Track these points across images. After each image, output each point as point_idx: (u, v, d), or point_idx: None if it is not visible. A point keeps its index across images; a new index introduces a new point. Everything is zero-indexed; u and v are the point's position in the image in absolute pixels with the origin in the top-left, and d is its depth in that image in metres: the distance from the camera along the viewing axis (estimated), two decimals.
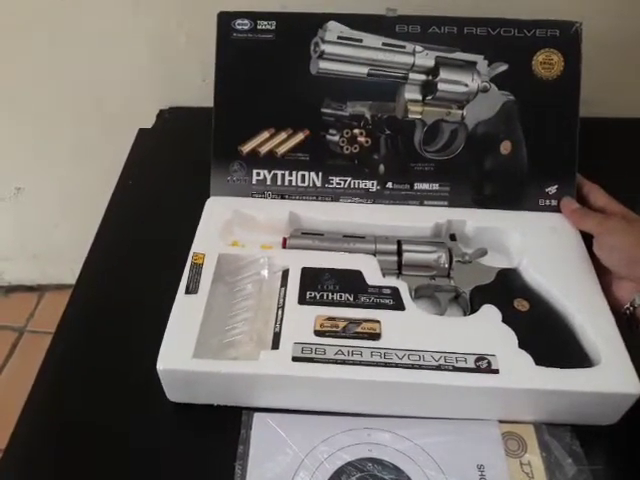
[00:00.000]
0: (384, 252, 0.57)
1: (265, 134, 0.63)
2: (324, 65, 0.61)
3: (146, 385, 0.49)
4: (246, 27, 0.62)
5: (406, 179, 0.63)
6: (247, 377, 0.48)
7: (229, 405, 0.50)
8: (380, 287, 0.54)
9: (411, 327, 0.51)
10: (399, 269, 0.56)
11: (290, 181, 0.63)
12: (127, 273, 0.63)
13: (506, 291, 0.54)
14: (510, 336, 0.50)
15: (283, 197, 0.64)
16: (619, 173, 0.64)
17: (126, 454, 0.49)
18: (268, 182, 0.63)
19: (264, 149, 0.63)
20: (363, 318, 0.51)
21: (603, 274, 0.54)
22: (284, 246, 0.58)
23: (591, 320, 0.51)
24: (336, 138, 0.63)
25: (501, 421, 0.49)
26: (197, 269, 0.55)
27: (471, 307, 0.54)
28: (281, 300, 0.53)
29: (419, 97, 0.62)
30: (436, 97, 0.61)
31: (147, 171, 0.76)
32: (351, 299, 0.53)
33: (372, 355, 0.48)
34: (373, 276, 0.55)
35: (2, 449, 0.49)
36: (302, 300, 0.53)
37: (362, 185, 0.63)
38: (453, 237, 0.59)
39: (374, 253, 0.57)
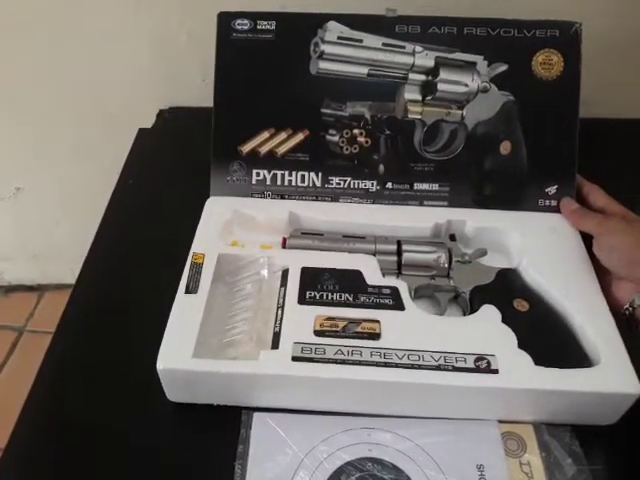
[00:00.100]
0: (384, 252, 0.57)
1: (265, 134, 0.63)
2: (324, 65, 0.61)
3: (146, 385, 0.49)
4: (246, 27, 0.62)
5: (406, 179, 0.63)
6: (247, 377, 0.48)
7: (229, 405, 0.50)
8: (380, 287, 0.54)
9: (411, 327, 0.51)
10: (399, 269, 0.57)
11: (290, 181, 0.63)
12: (127, 273, 0.63)
13: (506, 291, 0.54)
14: (510, 336, 0.50)
15: (283, 197, 0.64)
16: (619, 173, 0.64)
17: (126, 453, 0.49)
18: (268, 182, 0.63)
19: (264, 149, 0.63)
20: (363, 318, 0.51)
21: (603, 274, 0.54)
22: (284, 246, 0.58)
23: (591, 320, 0.51)
24: (336, 138, 0.63)
25: (501, 421, 0.49)
26: (197, 269, 0.55)
27: (471, 307, 0.54)
28: (281, 300, 0.53)
29: (419, 97, 0.62)
30: (436, 97, 0.61)
31: (147, 171, 0.76)
32: (351, 299, 0.53)
33: (372, 355, 0.48)
34: (373, 276, 0.55)
35: (2, 448, 0.49)
36: (302, 300, 0.53)
37: (362, 185, 0.63)
38: (453, 237, 0.59)
39: (374, 253, 0.57)
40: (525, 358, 0.48)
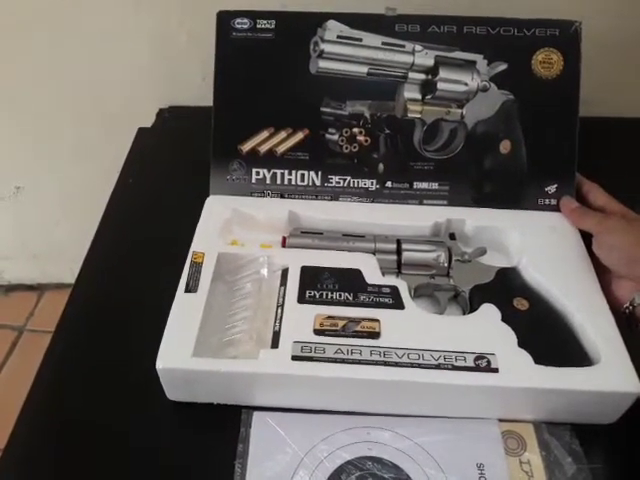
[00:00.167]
0: (383, 251, 0.57)
1: (265, 133, 0.63)
2: (323, 64, 0.61)
3: (145, 384, 0.49)
4: (246, 26, 0.62)
5: (405, 178, 0.63)
6: (247, 376, 0.48)
7: (229, 404, 0.50)
8: (379, 286, 0.54)
9: (410, 326, 0.51)
10: (398, 268, 0.56)
11: (289, 180, 0.63)
12: (127, 272, 0.63)
13: (505, 290, 0.54)
14: (509, 335, 0.50)
15: (282, 196, 0.64)
16: (619, 172, 0.64)
17: (126, 453, 0.49)
18: (267, 181, 0.63)
19: (264, 148, 0.63)
20: (362, 317, 0.51)
21: (603, 273, 0.54)
22: (283, 245, 0.58)
23: (590, 319, 0.51)
24: (335, 137, 0.63)
25: (501, 420, 0.49)
26: (197, 268, 0.55)
27: (470, 306, 0.54)
28: (280, 299, 0.53)
29: (419, 96, 0.62)
30: (436, 96, 0.61)
31: (147, 170, 0.76)
32: (350, 298, 0.53)
33: (371, 354, 0.48)
34: (372, 275, 0.55)
35: (1, 448, 0.49)
36: (301, 299, 0.53)
37: (361, 184, 0.63)
38: (452, 236, 0.59)
39: (373, 252, 0.57)
40: (525, 357, 0.48)
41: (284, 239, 0.59)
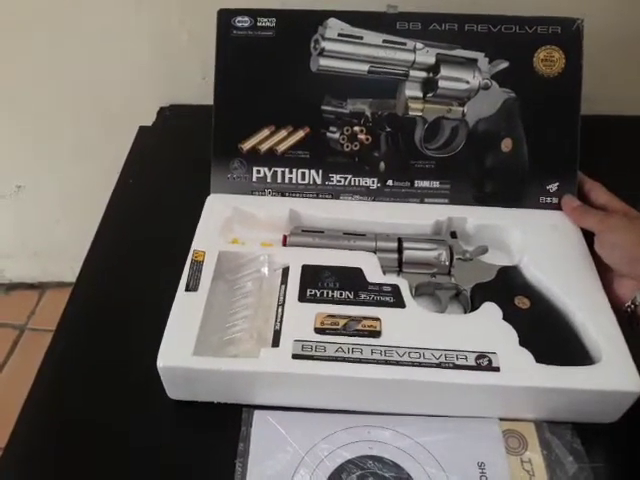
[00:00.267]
0: (384, 250, 0.57)
1: (265, 132, 0.63)
2: (324, 62, 0.61)
3: (146, 383, 0.49)
4: (246, 24, 0.62)
5: (406, 176, 0.63)
6: (247, 375, 0.48)
7: (229, 402, 0.50)
8: (380, 285, 0.54)
9: (411, 325, 0.51)
10: (399, 267, 0.56)
11: (290, 179, 0.63)
12: (127, 271, 0.63)
13: (507, 289, 0.54)
14: (511, 334, 0.50)
15: (283, 195, 0.63)
16: (620, 171, 0.64)
17: (126, 452, 0.49)
18: (268, 180, 0.63)
19: (264, 147, 0.63)
20: (363, 316, 0.51)
21: (604, 272, 0.54)
22: (284, 244, 0.58)
23: (592, 318, 0.51)
24: (336, 135, 0.62)
25: (502, 419, 0.49)
26: (197, 267, 0.55)
27: (472, 305, 0.54)
28: (281, 298, 0.53)
29: (420, 94, 0.62)
30: (437, 94, 0.61)
31: (147, 169, 0.76)
32: (351, 297, 0.53)
33: (372, 353, 0.48)
34: (373, 274, 0.55)
35: (2, 447, 0.49)
36: (302, 298, 0.53)
37: (362, 182, 0.63)
38: (454, 235, 0.59)
39: (374, 251, 0.57)
40: (526, 356, 0.48)
41: (285, 238, 0.59)
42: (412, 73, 0.61)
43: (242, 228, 0.61)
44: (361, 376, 0.47)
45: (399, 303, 0.52)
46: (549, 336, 0.51)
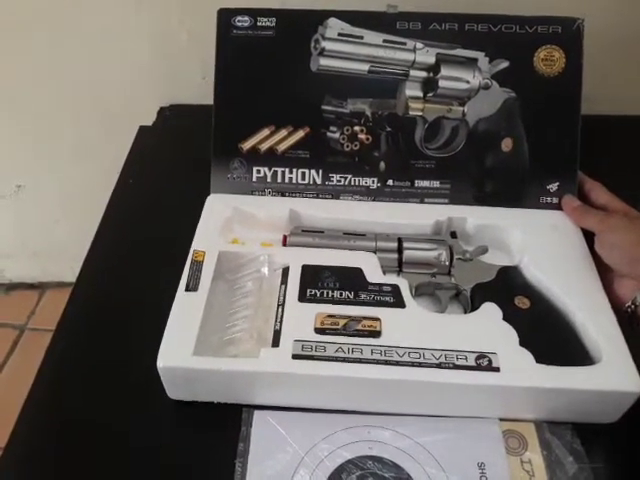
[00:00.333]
0: (384, 250, 0.57)
1: (265, 131, 0.63)
2: (324, 62, 0.61)
3: (146, 383, 0.49)
4: (246, 24, 0.62)
5: (407, 176, 0.63)
6: (247, 375, 0.48)
7: (229, 403, 0.50)
8: (380, 285, 0.54)
9: (411, 325, 0.51)
10: (399, 267, 0.56)
11: (290, 178, 0.63)
12: (127, 271, 0.63)
13: (507, 289, 0.54)
14: (511, 334, 0.50)
15: (283, 194, 0.63)
16: (621, 170, 0.64)
17: (126, 452, 0.49)
18: (268, 179, 0.63)
19: (264, 146, 0.63)
20: (363, 316, 0.51)
21: (604, 272, 0.54)
22: (284, 244, 0.58)
23: (592, 318, 0.51)
24: (336, 135, 0.62)
25: (502, 419, 0.49)
26: (197, 267, 0.55)
27: (472, 305, 0.54)
28: (281, 298, 0.53)
29: (420, 94, 0.61)
30: (437, 94, 0.61)
31: (147, 169, 0.76)
32: (351, 297, 0.53)
33: (372, 353, 0.48)
34: (373, 274, 0.55)
35: (2, 447, 0.49)
36: (302, 298, 0.53)
37: (362, 182, 0.63)
38: (454, 234, 0.59)
39: (374, 251, 0.57)
40: (526, 356, 0.48)
41: (285, 238, 0.58)
42: (412, 73, 0.61)
43: (242, 228, 0.61)
44: (361, 376, 0.47)
45: (399, 303, 0.52)
46: (549, 336, 0.51)
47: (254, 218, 0.61)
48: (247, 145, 0.63)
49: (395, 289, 0.53)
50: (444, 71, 0.60)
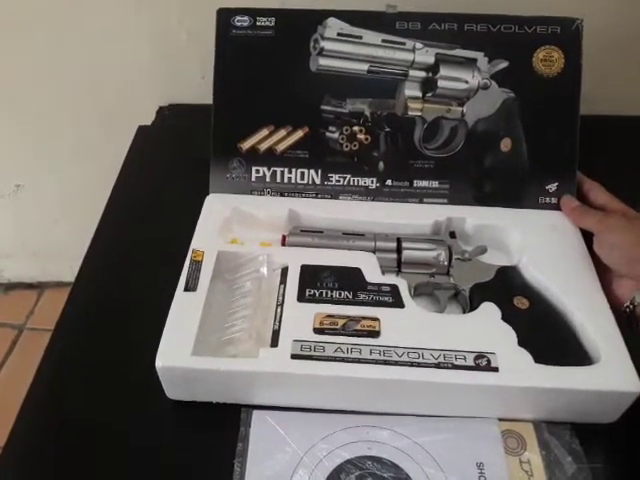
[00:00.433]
0: (383, 250, 0.57)
1: (264, 131, 0.63)
2: (324, 62, 0.61)
3: (145, 383, 0.49)
4: (245, 24, 0.62)
5: (406, 176, 0.63)
6: (246, 375, 0.48)
7: (228, 402, 0.50)
8: (379, 285, 0.54)
9: (410, 325, 0.51)
10: (398, 267, 0.56)
11: (289, 178, 0.63)
12: (126, 271, 0.63)
13: (506, 289, 0.54)
14: (510, 334, 0.50)
15: (282, 194, 0.63)
16: (619, 171, 0.64)
17: (125, 452, 0.49)
18: (267, 179, 0.63)
19: (263, 146, 0.63)
20: (362, 316, 0.51)
21: (603, 272, 0.54)
22: (283, 243, 0.58)
23: (591, 318, 0.51)
24: (336, 135, 0.62)
25: (500, 419, 0.49)
26: (196, 266, 0.55)
27: (470, 305, 0.54)
28: (280, 298, 0.53)
29: (419, 94, 0.61)
30: (436, 94, 0.61)
31: (146, 168, 0.76)
32: (350, 297, 0.53)
33: (371, 353, 0.48)
34: (372, 274, 0.55)
35: (1, 447, 0.49)
36: (301, 298, 0.53)
37: (361, 182, 0.63)
38: (453, 235, 0.59)
39: (373, 251, 0.57)
40: (525, 356, 0.48)
41: (284, 237, 0.58)
42: (411, 73, 0.61)
43: (241, 228, 0.61)
44: (360, 376, 0.47)
45: (398, 303, 0.52)
46: (548, 336, 0.51)
47: (253, 218, 0.61)
48: (246, 145, 0.63)
49: (394, 289, 0.53)
50: (443, 71, 0.60)
